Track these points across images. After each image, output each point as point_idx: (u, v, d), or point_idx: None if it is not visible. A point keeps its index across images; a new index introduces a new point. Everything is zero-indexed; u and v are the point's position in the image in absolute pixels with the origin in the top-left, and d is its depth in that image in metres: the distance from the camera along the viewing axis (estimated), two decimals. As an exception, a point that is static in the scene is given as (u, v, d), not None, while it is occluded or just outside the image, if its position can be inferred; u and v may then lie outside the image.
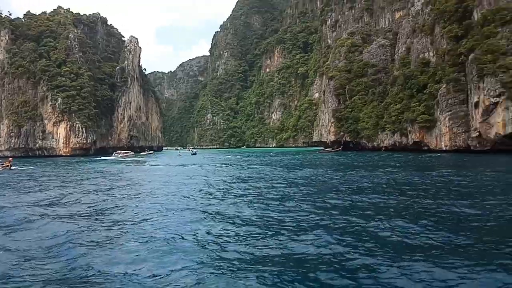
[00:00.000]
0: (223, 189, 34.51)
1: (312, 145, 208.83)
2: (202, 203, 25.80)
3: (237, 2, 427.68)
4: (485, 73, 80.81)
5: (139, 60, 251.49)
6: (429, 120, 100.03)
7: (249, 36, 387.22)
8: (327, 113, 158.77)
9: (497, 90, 79.09)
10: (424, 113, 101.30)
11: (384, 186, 33.14)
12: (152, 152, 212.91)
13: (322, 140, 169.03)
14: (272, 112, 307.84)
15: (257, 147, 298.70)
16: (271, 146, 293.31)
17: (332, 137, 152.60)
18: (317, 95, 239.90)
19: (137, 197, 30.04)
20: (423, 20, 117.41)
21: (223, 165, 76.74)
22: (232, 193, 31.55)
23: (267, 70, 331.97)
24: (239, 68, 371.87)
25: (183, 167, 76.00)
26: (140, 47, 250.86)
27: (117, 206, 25.50)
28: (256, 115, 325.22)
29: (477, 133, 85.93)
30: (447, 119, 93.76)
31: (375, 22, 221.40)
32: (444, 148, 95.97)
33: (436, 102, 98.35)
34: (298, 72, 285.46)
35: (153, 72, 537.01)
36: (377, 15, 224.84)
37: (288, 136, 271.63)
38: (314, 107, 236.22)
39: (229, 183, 39.96)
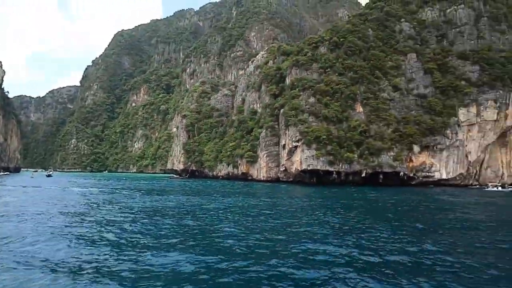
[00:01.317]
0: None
1: (167, 172, 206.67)
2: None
3: (110, 42, 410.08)
4: (289, 123, 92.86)
5: (1, 83, 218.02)
6: (253, 156, 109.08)
7: (119, 73, 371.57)
8: (179, 146, 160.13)
9: (297, 137, 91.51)
10: (249, 151, 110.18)
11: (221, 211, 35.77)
12: (7, 173, 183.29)
13: (174, 168, 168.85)
14: (135, 141, 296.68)
15: (119, 172, 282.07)
16: (131, 171, 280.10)
17: (181, 166, 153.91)
18: (174, 129, 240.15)
19: None
20: (254, 79, 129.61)
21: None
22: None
23: (133, 104, 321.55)
24: (107, 100, 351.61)
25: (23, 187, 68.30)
26: (3, 70, 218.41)
27: None
28: (120, 143, 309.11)
29: (284, 168, 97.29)
30: (265, 156, 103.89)
31: (224, 76, 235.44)
32: (262, 179, 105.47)
33: (259, 143, 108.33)
34: (160, 108, 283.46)
35: (19, 96, 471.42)
36: (226, 70, 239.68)
37: (148, 163, 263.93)
38: (171, 139, 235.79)
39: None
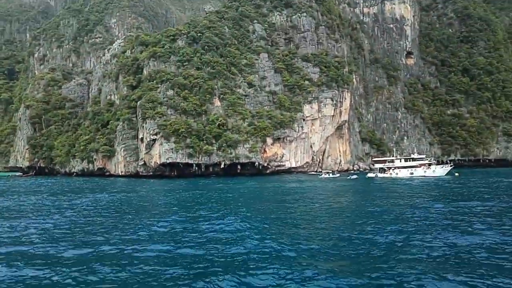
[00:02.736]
0: None
1: (13, 169, 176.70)
2: None
3: None
4: (147, 116, 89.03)
5: None
6: (110, 150, 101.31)
7: None
8: (22, 140, 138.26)
9: (155, 130, 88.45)
10: (106, 145, 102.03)
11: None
12: None
13: (17, 165, 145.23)
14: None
15: None
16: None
17: (26, 163, 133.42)
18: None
19: None
20: (111, 69, 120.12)
21: None
22: None
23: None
24: None
25: None
26: None
27: None
28: None
29: (143, 162, 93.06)
30: (122, 150, 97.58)
31: (82, 63, 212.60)
32: (121, 174, 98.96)
33: (115, 136, 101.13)
34: (1, 97, 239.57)
35: None
36: (83, 57, 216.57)
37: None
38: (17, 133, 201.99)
39: None
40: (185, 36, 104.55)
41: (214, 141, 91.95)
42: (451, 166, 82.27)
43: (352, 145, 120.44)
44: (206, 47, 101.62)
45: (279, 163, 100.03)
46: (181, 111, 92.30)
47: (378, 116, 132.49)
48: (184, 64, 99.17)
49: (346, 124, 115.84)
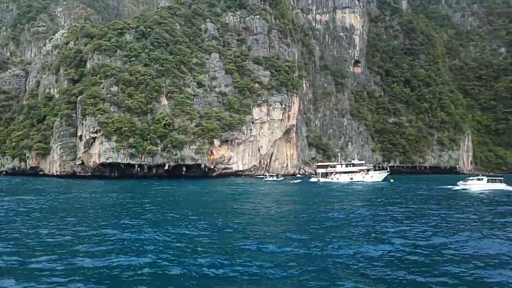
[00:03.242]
0: None
1: None
2: None
3: None
4: (87, 112, 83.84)
5: None
6: (45, 148, 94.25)
7: None
8: None
9: (95, 128, 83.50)
10: (40, 142, 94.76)
11: None
12: None
13: None
14: None
15: None
16: None
17: None
18: None
19: None
20: (51, 60, 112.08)
21: None
22: None
23: None
24: None
25: None
26: None
27: None
28: None
29: (81, 161, 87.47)
30: (58, 148, 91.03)
31: (22, 53, 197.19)
32: (56, 173, 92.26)
33: (52, 133, 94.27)
34: None
35: None
36: (24, 46, 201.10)
37: None
38: None
39: None
40: (133, 30, 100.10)
41: (159, 141, 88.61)
42: (387, 172, 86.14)
43: (299, 149, 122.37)
44: (155, 43, 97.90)
45: (226, 166, 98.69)
46: (125, 108, 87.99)
47: (325, 121, 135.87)
48: (131, 59, 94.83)
49: (294, 129, 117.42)
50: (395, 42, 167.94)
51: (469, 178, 62.58)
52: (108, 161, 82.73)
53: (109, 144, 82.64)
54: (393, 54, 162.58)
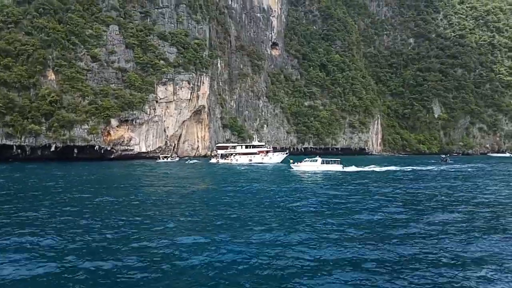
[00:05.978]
0: None
1: None
2: None
3: None
4: None
5: None
6: None
7: None
8: None
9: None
10: None
11: None
12: None
13: None
14: None
15: None
16: None
17: None
18: None
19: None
20: None
21: None
22: None
23: None
24: None
25: None
26: None
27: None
28: None
29: None
30: None
31: None
32: None
33: None
34: None
35: None
36: None
37: None
38: None
39: None
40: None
41: (43, 120, 79.35)
42: (286, 153, 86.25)
43: (212, 130, 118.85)
44: (40, 9, 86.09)
45: (126, 147, 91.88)
46: (1, 83, 76.96)
47: (241, 103, 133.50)
48: (9, 26, 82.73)
49: (206, 109, 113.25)
50: (314, 27, 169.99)
51: (305, 159, 61.45)
52: (-24, 142, 72.00)
53: (-23, 122, 71.74)
54: (311, 38, 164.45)
